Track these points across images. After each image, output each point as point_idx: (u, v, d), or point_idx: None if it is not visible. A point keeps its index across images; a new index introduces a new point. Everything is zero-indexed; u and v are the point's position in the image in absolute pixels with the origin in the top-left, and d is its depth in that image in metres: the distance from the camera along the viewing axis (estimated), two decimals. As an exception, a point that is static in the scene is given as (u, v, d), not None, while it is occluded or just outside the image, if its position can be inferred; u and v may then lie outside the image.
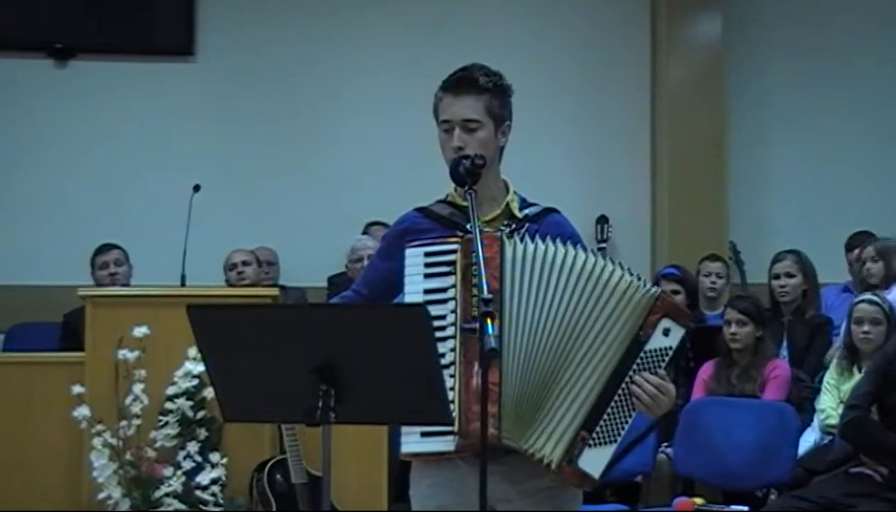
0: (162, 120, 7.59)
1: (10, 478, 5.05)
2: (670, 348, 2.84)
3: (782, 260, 6.27)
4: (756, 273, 7.15)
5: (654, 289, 2.86)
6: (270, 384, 2.61)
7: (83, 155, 7.52)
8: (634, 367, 2.82)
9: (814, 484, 4.86)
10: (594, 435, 2.82)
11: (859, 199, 7.80)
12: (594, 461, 2.82)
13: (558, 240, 2.88)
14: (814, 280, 6.26)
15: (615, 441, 2.82)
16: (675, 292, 6.20)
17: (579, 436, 2.81)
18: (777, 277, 6.23)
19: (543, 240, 2.87)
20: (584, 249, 2.89)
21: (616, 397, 2.82)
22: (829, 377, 5.46)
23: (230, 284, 6.82)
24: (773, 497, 5.12)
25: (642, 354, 2.83)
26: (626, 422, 2.83)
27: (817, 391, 5.60)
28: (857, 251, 6.47)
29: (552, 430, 2.83)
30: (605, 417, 2.82)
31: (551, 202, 3.13)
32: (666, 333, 2.83)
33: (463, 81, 2.99)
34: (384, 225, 6.91)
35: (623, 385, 2.82)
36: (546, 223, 3.02)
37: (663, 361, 2.83)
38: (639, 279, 2.86)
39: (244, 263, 6.86)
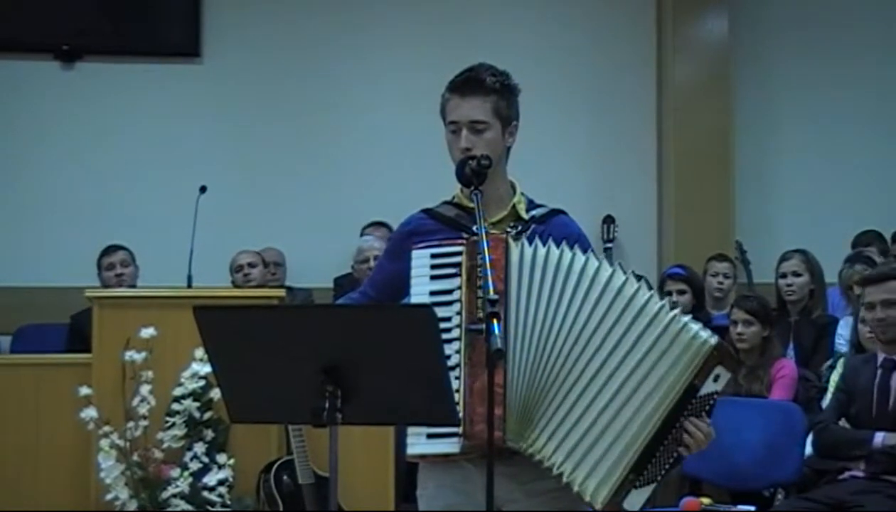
0: (168, 121, 7.60)
1: (19, 479, 5.06)
2: (717, 393, 2.81)
3: (789, 259, 6.26)
4: (763, 272, 7.15)
5: (712, 338, 2.79)
6: (277, 385, 2.61)
7: (90, 156, 7.54)
8: (686, 413, 2.79)
9: (820, 486, 4.86)
10: (641, 477, 2.80)
11: (866, 198, 7.79)
12: (636, 500, 2.81)
13: (576, 246, 2.85)
14: (821, 280, 6.25)
15: (657, 481, 2.81)
16: (681, 292, 6.19)
17: (627, 479, 2.78)
18: (784, 276, 6.23)
19: (557, 243, 2.85)
20: (605, 261, 2.85)
21: (666, 441, 2.79)
22: (836, 377, 5.45)
23: (236, 286, 6.82)
24: (780, 497, 5.11)
25: (694, 401, 2.79)
26: (670, 462, 2.81)
27: (824, 391, 5.59)
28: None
29: (590, 461, 2.78)
30: (654, 459, 2.80)
31: (557, 202, 3.12)
32: (716, 378, 2.80)
33: (470, 82, 2.98)
34: (384, 225, 6.93)
35: (673, 430, 2.79)
36: (553, 225, 3.01)
37: (709, 405, 2.81)
38: (690, 319, 2.80)
39: (250, 265, 6.86)
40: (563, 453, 2.79)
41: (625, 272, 2.83)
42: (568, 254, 2.83)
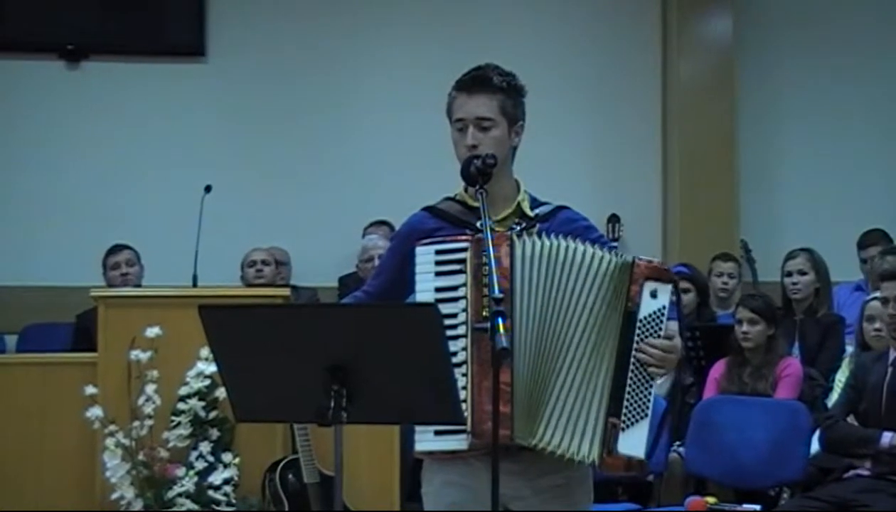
0: (173, 120, 7.61)
1: (24, 478, 5.06)
2: (664, 308, 2.86)
3: (795, 257, 6.26)
4: (768, 271, 7.14)
5: (626, 257, 2.88)
6: (282, 384, 2.61)
7: (95, 156, 7.54)
8: (636, 339, 2.84)
9: (825, 484, 4.86)
10: (623, 418, 2.83)
11: (871, 197, 7.78)
12: (632, 442, 2.83)
13: (561, 236, 2.89)
14: (826, 278, 6.24)
15: (646, 416, 2.84)
16: (685, 291, 6.19)
17: (609, 424, 2.82)
18: (789, 274, 6.22)
19: (550, 237, 2.89)
20: (587, 242, 2.90)
21: (630, 375, 2.84)
22: (841, 375, 5.45)
23: (247, 282, 6.84)
24: (785, 496, 5.11)
25: (639, 324, 2.85)
26: (649, 394, 2.85)
27: (829, 390, 5.59)
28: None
29: (580, 428, 2.84)
30: (627, 397, 2.84)
31: (562, 202, 3.13)
32: (654, 294, 2.86)
33: (477, 80, 3.00)
34: (386, 224, 6.93)
35: (632, 360, 2.84)
36: (557, 221, 3.02)
37: (661, 321, 2.86)
38: (617, 255, 2.89)
39: (263, 263, 6.90)
40: (559, 433, 2.84)
41: (595, 249, 2.89)
42: (555, 243, 2.87)
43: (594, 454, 2.83)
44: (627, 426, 2.83)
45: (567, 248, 2.87)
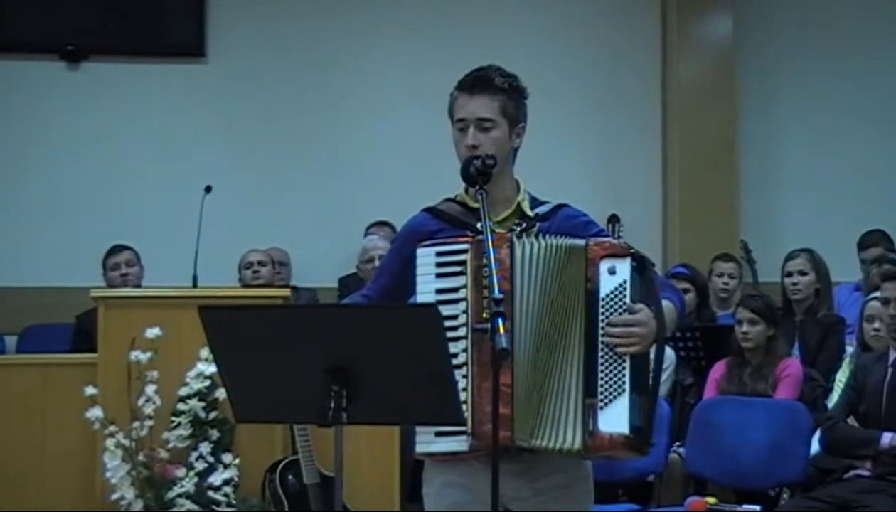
0: (173, 121, 7.61)
1: (24, 479, 5.06)
2: (624, 282, 2.83)
3: (795, 258, 6.25)
4: (768, 272, 7.13)
5: (577, 241, 2.87)
6: (282, 385, 2.61)
7: (95, 156, 7.54)
8: (601, 318, 2.83)
9: (825, 485, 4.86)
10: (600, 397, 2.81)
11: (872, 197, 7.78)
12: (613, 418, 2.79)
13: (559, 236, 2.90)
14: (826, 279, 6.24)
15: (623, 391, 2.80)
16: (686, 291, 6.19)
17: (587, 405, 2.81)
18: (790, 274, 6.22)
19: (549, 238, 2.89)
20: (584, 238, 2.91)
21: (600, 354, 2.82)
22: (842, 376, 5.45)
23: (244, 283, 6.83)
24: (785, 496, 5.11)
25: (602, 303, 2.83)
26: (623, 370, 2.81)
27: (829, 390, 5.59)
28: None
29: (562, 418, 2.82)
30: (601, 376, 2.81)
31: (562, 201, 3.13)
32: (612, 271, 2.84)
33: (479, 81, 3.00)
34: (387, 225, 6.93)
35: (601, 339, 2.82)
36: (557, 219, 3.03)
37: (624, 297, 2.83)
38: (572, 241, 2.89)
39: (260, 263, 6.88)
40: (548, 428, 2.82)
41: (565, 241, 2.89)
42: (556, 244, 2.86)
43: (577, 440, 2.81)
44: (606, 404, 2.80)
45: (559, 246, 2.87)
